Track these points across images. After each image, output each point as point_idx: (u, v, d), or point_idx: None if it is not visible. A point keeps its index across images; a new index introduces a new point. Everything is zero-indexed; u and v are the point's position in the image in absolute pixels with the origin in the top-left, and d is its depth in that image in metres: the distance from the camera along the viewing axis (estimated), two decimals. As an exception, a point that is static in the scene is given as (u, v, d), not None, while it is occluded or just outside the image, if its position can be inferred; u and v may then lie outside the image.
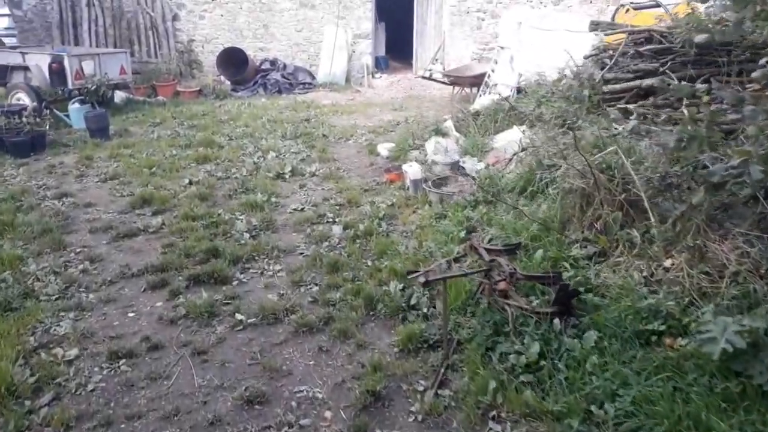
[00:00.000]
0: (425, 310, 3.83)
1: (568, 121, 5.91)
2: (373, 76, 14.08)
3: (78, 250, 5.01)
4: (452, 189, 5.80)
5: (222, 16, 13.57)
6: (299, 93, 12.81)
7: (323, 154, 7.86)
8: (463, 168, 6.37)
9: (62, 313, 3.95)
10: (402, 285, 4.12)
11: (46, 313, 3.92)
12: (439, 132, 7.53)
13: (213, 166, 7.36)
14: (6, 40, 14.72)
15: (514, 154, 6.23)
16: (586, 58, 6.72)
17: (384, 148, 7.83)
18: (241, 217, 5.64)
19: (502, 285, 3.71)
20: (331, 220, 5.61)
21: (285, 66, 13.54)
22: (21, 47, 10.93)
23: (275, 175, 6.94)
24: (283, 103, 11.52)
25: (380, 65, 14.97)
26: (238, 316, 3.90)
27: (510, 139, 6.90)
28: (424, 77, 12.65)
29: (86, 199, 6.21)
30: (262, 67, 13.42)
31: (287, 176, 6.94)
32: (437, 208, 5.52)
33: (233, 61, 13.05)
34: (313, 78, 13.62)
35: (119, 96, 11.30)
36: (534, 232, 4.51)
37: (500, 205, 5.32)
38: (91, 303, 4.13)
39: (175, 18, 13.35)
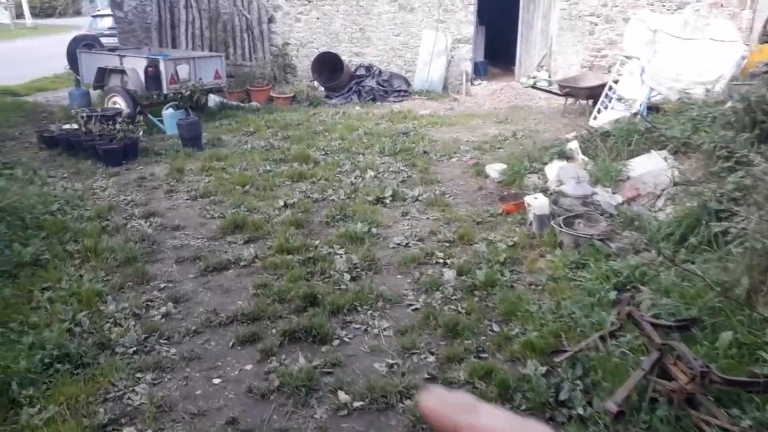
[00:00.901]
0: (581, 410, 2.96)
1: (737, 154, 4.83)
2: (471, 83, 13.18)
3: (162, 285, 4.48)
4: (590, 230, 4.86)
5: (318, 19, 13.11)
6: (394, 101, 12.13)
7: (425, 175, 7.09)
8: (597, 202, 5.41)
9: (139, 374, 3.38)
10: (544, 368, 3.27)
11: (121, 372, 3.36)
12: (563, 154, 6.58)
13: (308, 185, 6.76)
14: (109, 41, 14.98)
15: (664, 190, 5.22)
16: (753, 75, 5.57)
17: (494, 170, 6.97)
18: (340, 251, 4.97)
19: (689, 387, 2.80)
20: (441, 260, 4.82)
21: (380, 72, 12.89)
22: (119, 49, 10.85)
23: (375, 199, 6.24)
24: (378, 112, 10.86)
25: (479, 71, 14.04)
26: (342, 397, 3.18)
27: (649, 167, 5.87)
28: (534, 87, 11.64)
29: (175, 220, 5.74)
30: (357, 73, 12.83)
31: (388, 201, 6.22)
32: (572, 254, 4.61)
33: (328, 66, 12.55)
34: (409, 85, 12.90)
35: (213, 100, 11.04)
36: (711, 301, 3.53)
37: (652, 254, 4.35)
38: (172, 360, 3.55)
39: (270, 20, 13.01)
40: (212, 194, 6.41)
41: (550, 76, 12.73)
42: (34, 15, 37.94)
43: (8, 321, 3.74)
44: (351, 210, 5.90)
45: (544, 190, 5.95)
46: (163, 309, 4.10)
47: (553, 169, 6.20)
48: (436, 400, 0.33)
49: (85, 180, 6.95)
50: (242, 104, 11.56)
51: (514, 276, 4.51)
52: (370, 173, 7.06)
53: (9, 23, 34.27)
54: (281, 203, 6.08)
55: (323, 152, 8.09)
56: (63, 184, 6.64)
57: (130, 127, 8.04)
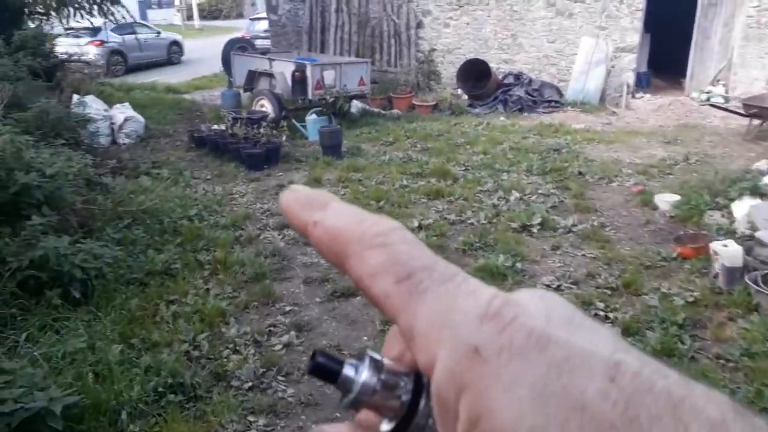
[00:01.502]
0: None
1: None
2: (633, 96, 11.94)
3: (287, 308, 4.19)
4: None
5: (468, 24, 12.56)
6: (544, 112, 11.26)
7: (580, 201, 6.28)
8: (806, 256, 4.34)
9: (251, 417, 3.05)
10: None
11: (233, 413, 3.05)
12: (756, 190, 5.49)
13: (445, 204, 6.25)
14: (264, 43, 15.58)
15: None
16: None
17: (664, 201, 6.00)
18: (479, 288, 4.39)
19: None
20: (601, 312, 4.07)
21: (530, 81, 12.07)
22: (269, 53, 11.05)
23: (520, 226, 5.57)
24: (525, 124, 10.10)
25: (641, 83, 12.70)
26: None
27: None
28: (711, 104, 10.26)
29: (306, 234, 5.48)
30: (505, 81, 12.12)
31: (535, 230, 5.53)
32: (775, 323, 3.67)
33: (474, 73, 11.96)
34: (561, 95, 11.94)
35: (355, 106, 10.92)
36: None
37: None
38: (288, 404, 3.18)
39: (419, 25, 12.69)
40: (346, 208, 6.11)
41: (727, 92, 11.19)
42: (202, 17, 41.20)
43: (131, 336, 3.60)
44: (492, 238, 5.30)
45: (731, 233, 4.95)
46: (285, 338, 3.78)
47: (743, 208, 5.16)
48: (292, 197, 0.31)
49: (226, 184, 6.97)
50: (383, 111, 11.35)
51: (696, 343, 3.66)
52: (515, 195, 6.40)
53: (180, 24, 37.46)
54: (416, 224, 5.61)
55: (463, 167, 7.54)
56: (204, 186, 6.69)
57: (274, 132, 8.02)
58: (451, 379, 0.24)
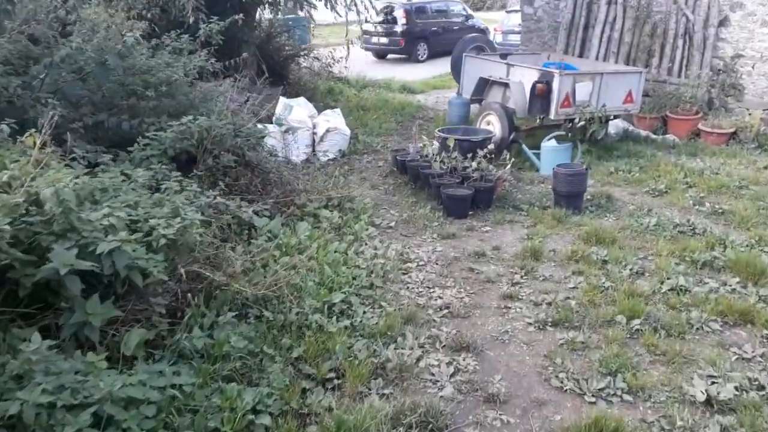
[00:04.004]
0: None
1: None
2: None
3: None
4: None
5: (802, 21, 8.82)
6: None
7: None
8: None
9: None
10: None
11: None
12: None
13: (759, 343, 3.54)
14: (517, 38, 13.39)
15: None
16: None
17: None
18: None
19: None
20: None
21: None
22: (512, 54, 8.86)
23: None
24: None
25: None
26: None
27: None
28: None
29: (496, 373, 3.30)
30: None
31: None
32: None
33: (802, 92, 8.32)
34: None
35: (615, 126, 8.26)
36: None
37: None
38: None
39: (722, 23, 9.30)
40: (573, 323, 3.74)
41: None
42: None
43: None
44: None
45: None
46: None
47: None
48: None
49: (409, 238, 5.09)
50: (653, 135, 8.49)
51: None
52: None
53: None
54: (700, 391, 3.07)
55: (790, 260, 4.59)
56: (378, 243, 4.84)
57: (491, 164, 5.93)
58: None
